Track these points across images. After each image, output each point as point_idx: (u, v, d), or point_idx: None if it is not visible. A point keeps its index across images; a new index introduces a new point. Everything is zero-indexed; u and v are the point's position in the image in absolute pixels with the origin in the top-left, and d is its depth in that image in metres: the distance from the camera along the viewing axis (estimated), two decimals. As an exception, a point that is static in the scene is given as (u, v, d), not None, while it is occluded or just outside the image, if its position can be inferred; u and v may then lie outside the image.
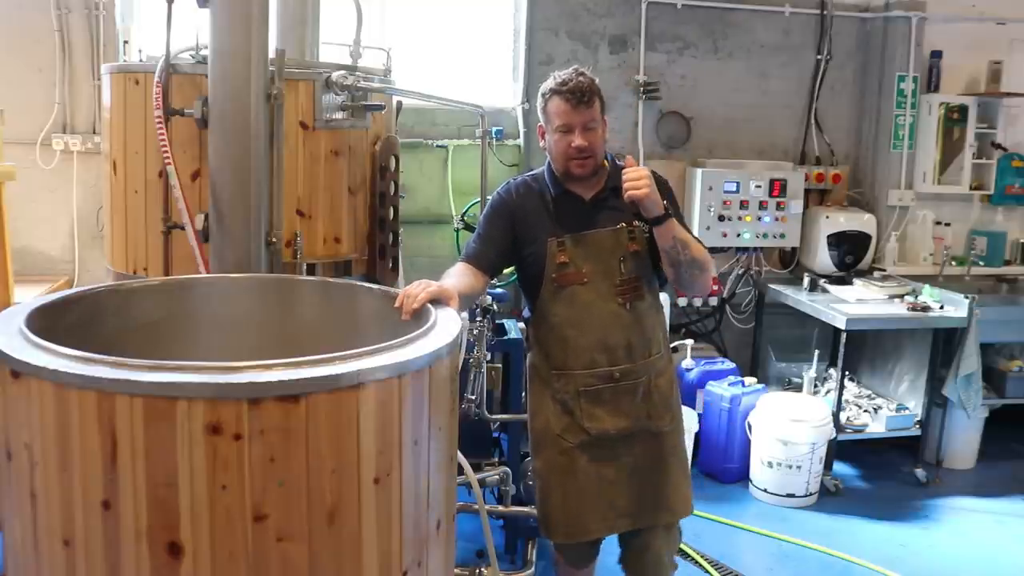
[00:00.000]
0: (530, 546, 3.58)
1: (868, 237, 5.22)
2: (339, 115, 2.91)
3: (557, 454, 2.62)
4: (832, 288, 5.05)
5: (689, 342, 4.96)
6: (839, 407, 4.65)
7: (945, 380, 4.64)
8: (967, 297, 4.57)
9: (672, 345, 3.54)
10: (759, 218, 5.14)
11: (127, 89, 2.86)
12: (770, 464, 4.43)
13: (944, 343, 4.66)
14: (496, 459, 3.65)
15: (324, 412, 1.59)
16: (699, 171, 5.07)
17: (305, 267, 2.88)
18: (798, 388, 5.00)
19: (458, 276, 2.49)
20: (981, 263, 5.45)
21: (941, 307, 4.65)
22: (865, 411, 4.87)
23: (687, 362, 4.85)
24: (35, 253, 4.45)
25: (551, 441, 2.63)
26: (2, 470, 1.73)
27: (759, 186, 5.09)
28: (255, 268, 2.59)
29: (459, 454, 2.23)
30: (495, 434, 3.86)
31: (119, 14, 4.43)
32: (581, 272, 2.55)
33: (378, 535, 1.70)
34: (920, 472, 4.74)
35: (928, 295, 4.75)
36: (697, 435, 4.57)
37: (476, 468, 3.29)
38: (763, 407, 4.52)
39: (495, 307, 3.50)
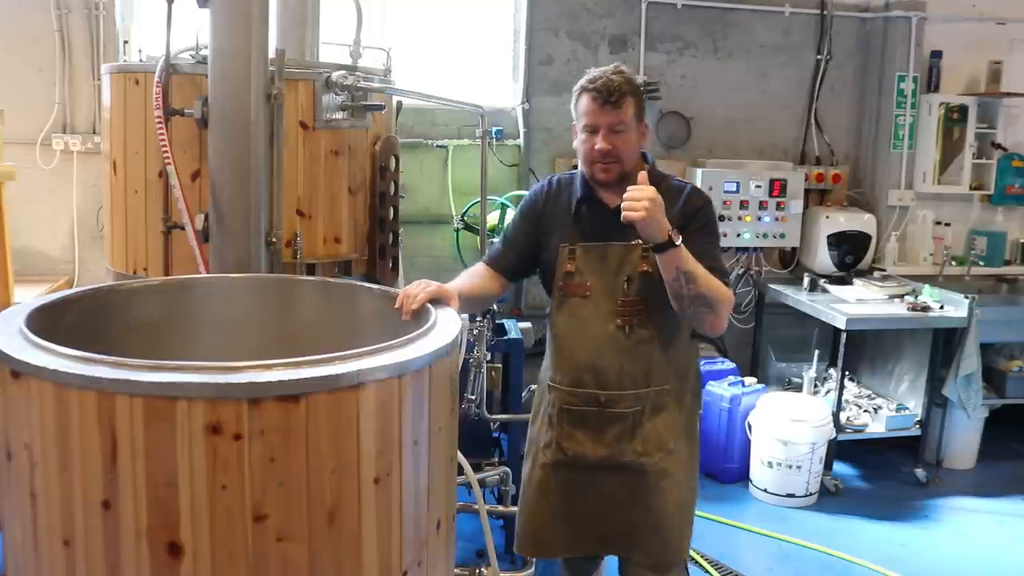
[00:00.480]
0: (530, 546, 3.58)
1: (868, 237, 5.23)
2: (339, 115, 2.91)
3: (536, 467, 2.53)
4: (832, 288, 5.06)
5: (689, 342, 4.96)
6: (839, 407, 4.65)
7: (945, 380, 4.64)
8: (967, 297, 4.57)
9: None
10: (759, 218, 5.14)
11: (127, 89, 2.86)
12: (770, 464, 4.43)
13: (944, 343, 4.66)
14: (496, 459, 3.66)
15: (324, 412, 1.59)
16: (699, 171, 5.07)
17: (305, 267, 2.88)
18: (798, 388, 5.00)
19: (468, 277, 2.46)
20: (981, 263, 5.46)
21: (941, 307, 4.65)
22: (865, 411, 4.87)
23: (687, 362, 4.85)
24: (35, 253, 4.45)
25: (534, 453, 2.56)
26: (2, 470, 1.73)
27: (759, 186, 5.09)
28: (255, 268, 2.59)
29: (459, 454, 2.23)
30: (495, 434, 3.86)
31: (119, 14, 4.43)
32: (585, 284, 2.40)
33: (378, 535, 1.70)
34: (920, 472, 4.74)
35: (928, 295, 4.75)
36: (697, 435, 4.57)
37: (476, 468, 3.29)
38: (763, 407, 4.52)
39: (495, 307, 3.50)
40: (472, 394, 3.28)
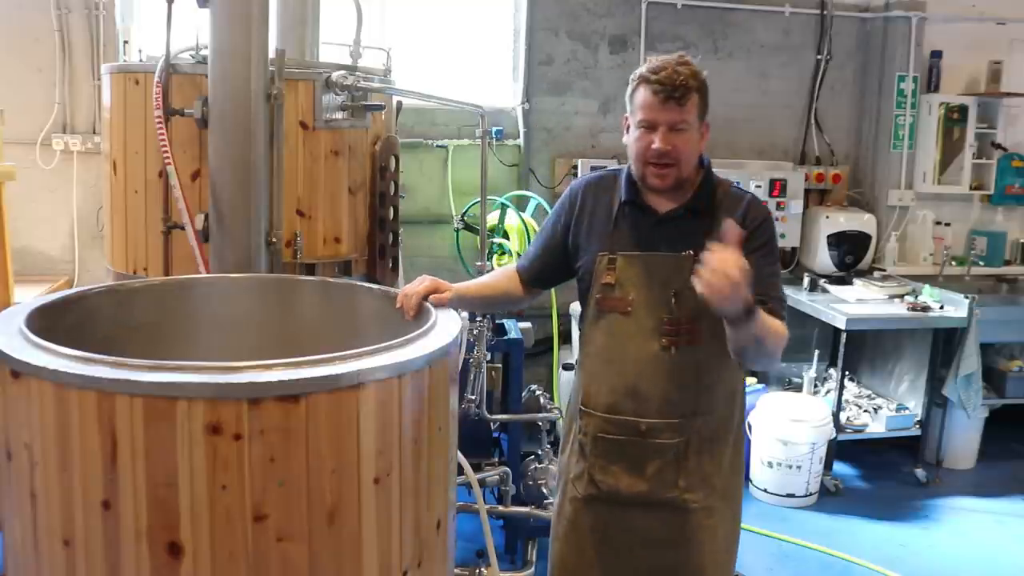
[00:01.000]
0: (530, 546, 3.58)
1: (868, 237, 5.23)
2: (339, 115, 2.91)
3: (566, 501, 2.28)
4: (832, 288, 5.06)
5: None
6: (839, 407, 4.65)
7: (945, 380, 4.64)
8: (967, 297, 4.57)
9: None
10: (759, 218, 5.13)
11: (127, 89, 2.86)
12: (770, 464, 4.43)
13: (944, 343, 4.66)
14: (496, 459, 3.66)
15: (324, 412, 1.59)
16: (699, 171, 5.06)
17: (305, 267, 2.88)
18: (798, 388, 4.99)
19: (490, 276, 2.44)
20: (981, 263, 5.46)
21: (941, 307, 4.65)
22: (865, 411, 4.87)
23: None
24: (35, 253, 4.45)
25: (563, 485, 2.31)
26: (2, 470, 1.73)
27: (759, 186, 5.09)
28: (255, 268, 2.59)
29: (459, 454, 2.23)
30: (495, 434, 3.86)
31: (119, 14, 4.42)
32: (627, 299, 2.12)
33: (378, 535, 1.70)
34: (920, 472, 4.74)
35: (928, 295, 4.75)
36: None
37: (476, 468, 3.30)
38: (763, 407, 4.52)
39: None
40: (472, 394, 3.28)
